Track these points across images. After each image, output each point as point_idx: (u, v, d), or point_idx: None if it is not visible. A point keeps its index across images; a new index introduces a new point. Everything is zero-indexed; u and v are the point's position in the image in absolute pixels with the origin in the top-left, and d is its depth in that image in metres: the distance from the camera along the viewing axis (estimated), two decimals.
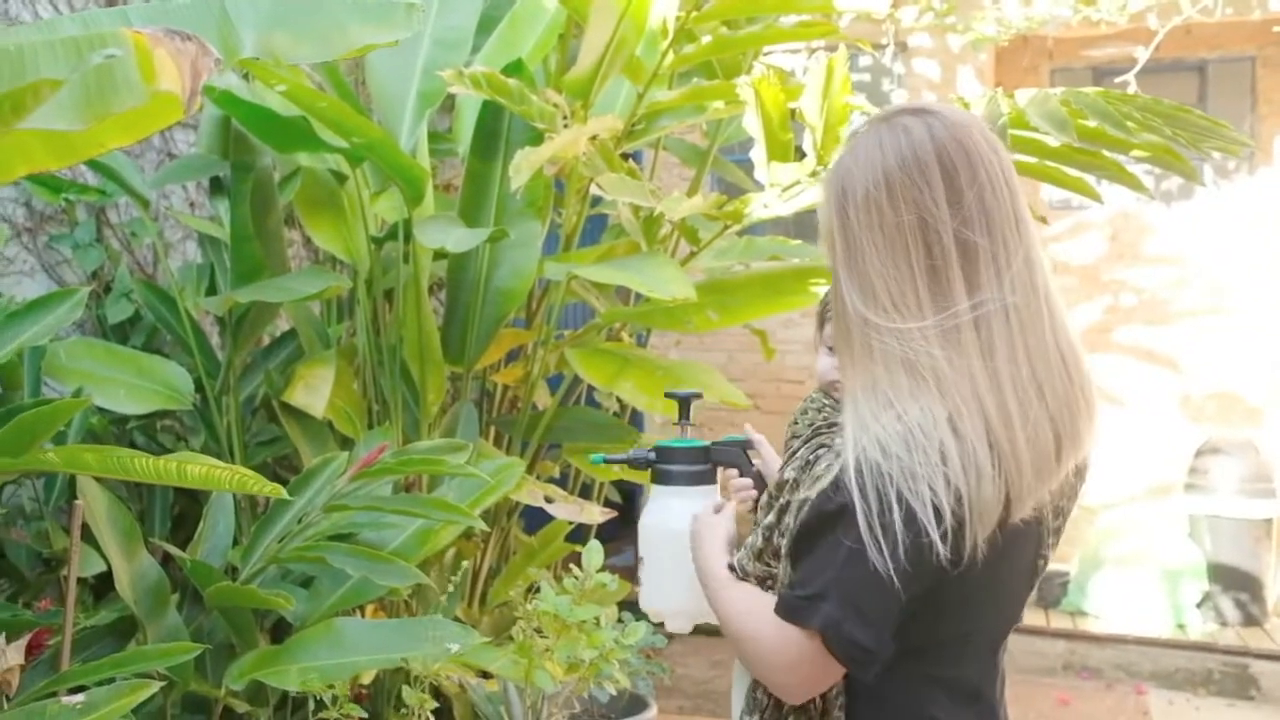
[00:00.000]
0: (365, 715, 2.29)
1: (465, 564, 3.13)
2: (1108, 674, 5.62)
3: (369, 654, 2.37)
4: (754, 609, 1.46)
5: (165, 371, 3.36)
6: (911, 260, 1.36)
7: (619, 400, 4.18)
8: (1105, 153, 3.00)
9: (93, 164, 3.33)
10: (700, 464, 1.77)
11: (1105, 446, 5.47)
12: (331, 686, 2.26)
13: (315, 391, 3.28)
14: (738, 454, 1.78)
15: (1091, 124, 2.91)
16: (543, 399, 4.04)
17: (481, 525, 2.72)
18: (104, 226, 3.87)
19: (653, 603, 1.80)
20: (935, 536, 1.27)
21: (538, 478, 4.02)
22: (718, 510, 1.70)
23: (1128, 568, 5.89)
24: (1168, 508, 6.03)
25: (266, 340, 3.86)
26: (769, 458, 1.74)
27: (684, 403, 1.86)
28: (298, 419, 3.36)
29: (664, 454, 1.79)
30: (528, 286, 3.66)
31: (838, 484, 1.33)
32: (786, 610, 1.38)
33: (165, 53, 1.37)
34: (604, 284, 3.88)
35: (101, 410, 3.23)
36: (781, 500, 1.50)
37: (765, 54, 4.21)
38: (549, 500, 3.53)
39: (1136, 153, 2.90)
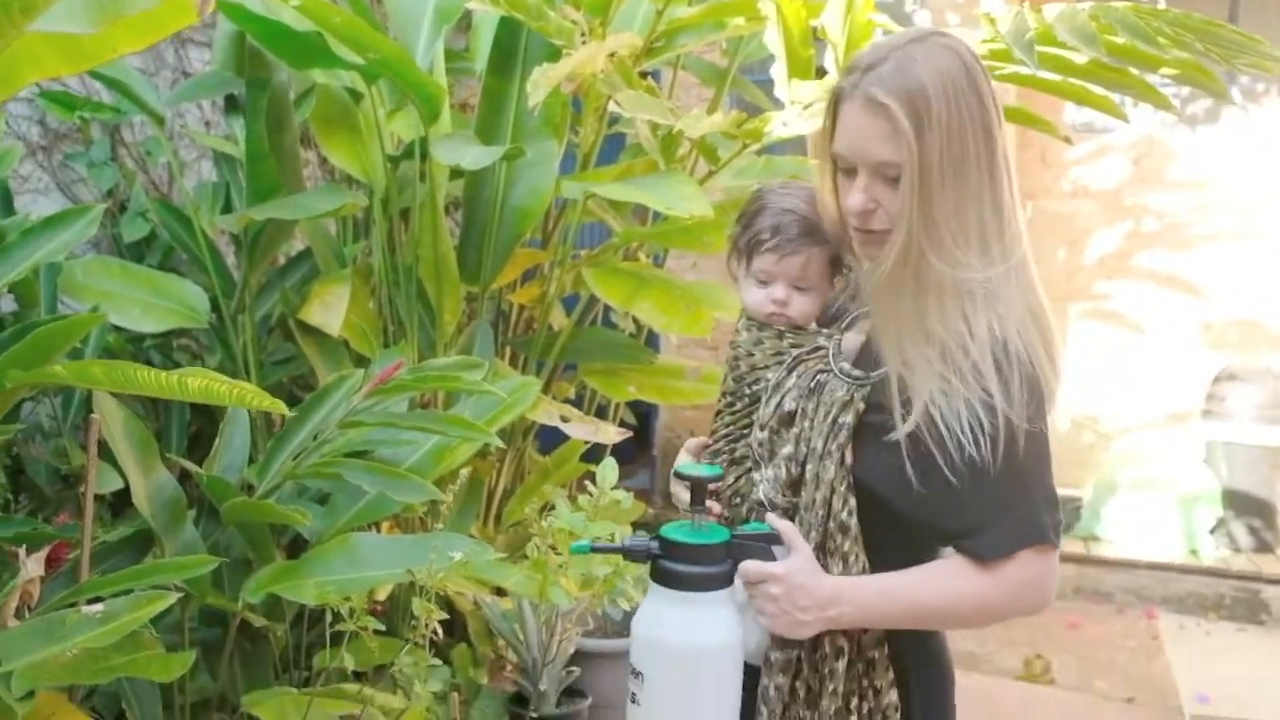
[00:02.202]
0: (382, 628, 2.31)
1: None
2: (1119, 598, 5.65)
3: (384, 568, 2.38)
4: (962, 575, 1.46)
5: (181, 290, 3.36)
6: (980, 195, 1.43)
7: (635, 321, 4.17)
8: (1133, 71, 2.95)
9: (108, 81, 3.30)
10: (719, 564, 1.46)
11: (1124, 372, 5.46)
12: (348, 599, 2.28)
13: (331, 309, 3.27)
14: (763, 550, 1.48)
15: (1120, 40, 2.85)
16: (559, 320, 4.03)
17: (497, 442, 2.72)
18: (119, 145, 3.85)
19: None
20: (1048, 414, 1.46)
21: (554, 398, 4.02)
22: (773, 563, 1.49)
23: (1142, 493, 5.90)
24: (1184, 434, 6.02)
25: (282, 260, 3.85)
26: (797, 547, 1.50)
27: (698, 486, 1.51)
28: (313, 337, 3.35)
29: (675, 550, 1.46)
30: (544, 205, 3.63)
31: (987, 413, 1.40)
32: (1007, 547, 1.43)
33: None
34: (621, 203, 3.84)
35: (118, 329, 3.24)
36: (795, 430, 1.54)
37: None
38: (564, 420, 3.53)
39: (1166, 71, 2.84)
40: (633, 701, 1.48)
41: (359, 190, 3.93)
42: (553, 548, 2.60)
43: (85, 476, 2.92)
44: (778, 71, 3.25)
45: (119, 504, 3.14)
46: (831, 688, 1.52)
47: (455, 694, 2.89)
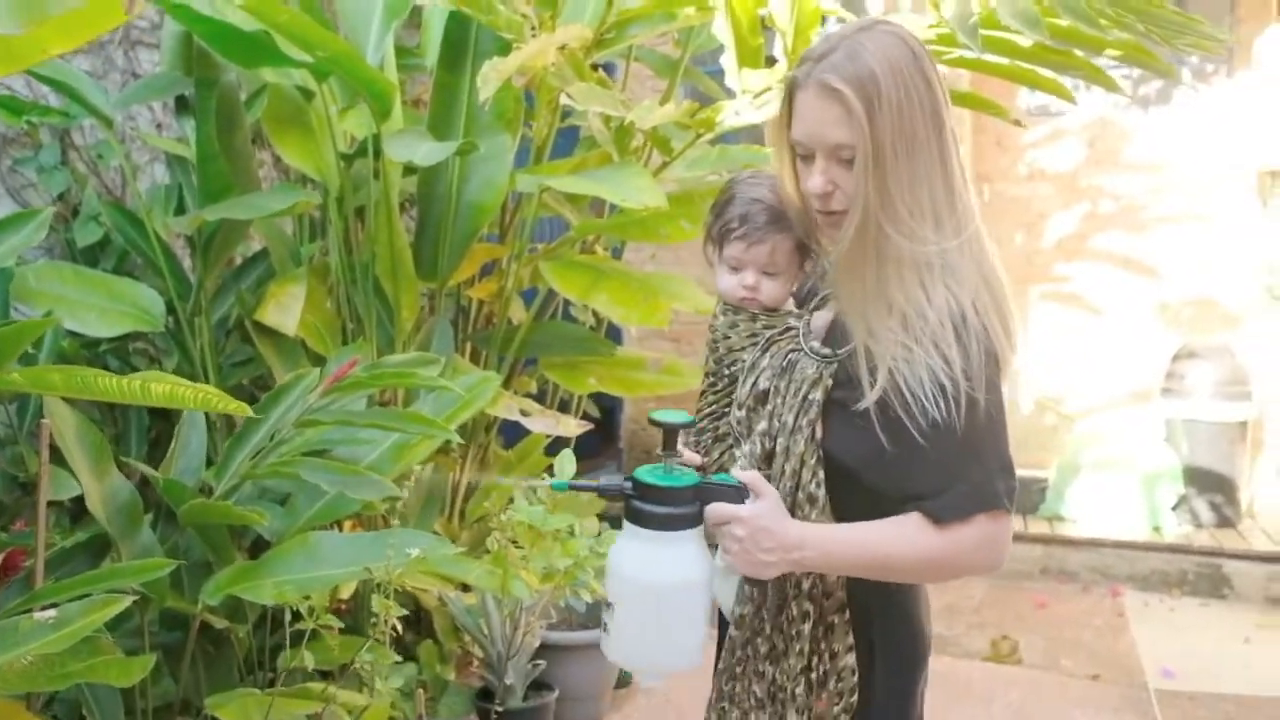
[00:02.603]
0: (342, 626, 2.30)
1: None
2: (1084, 577, 5.69)
3: (343, 566, 2.37)
4: (909, 530, 1.50)
5: (136, 294, 3.34)
6: (931, 170, 1.50)
7: (595, 315, 4.18)
8: (1078, 53, 2.97)
9: (54, 84, 3.28)
10: (687, 505, 1.54)
11: (1084, 354, 5.48)
12: (308, 598, 2.27)
13: (287, 310, 3.26)
14: (731, 495, 1.55)
15: (1064, 23, 2.88)
16: (520, 315, 4.03)
17: (456, 438, 2.72)
18: (69, 149, 3.82)
19: (621, 656, 1.62)
20: (1003, 376, 1.52)
21: (515, 393, 4.02)
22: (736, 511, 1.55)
23: (1105, 473, 5.94)
24: (1145, 413, 6.07)
25: (239, 261, 3.83)
26: (764, 493, 1.55)
27: (670, 432, 1.58)
28: (270, 338, 3.34)
29: (644, 490, 1.54)
30: (499, 200, 3.63)
31: (937, 369, 1.45)
32: (963, 510, 1.48)
33: None
34: (578, 196, 3.85)
35: (73, 334, 3.22)
36: (768, 407, 1.62)
37: None
38: (525, 414, 3.53)
39: (1110, 52, 2.87)
40: (604, 631, 1.60)
41: (314, 189, 3.92)
42: (513, 541, 2.60)
43: (35, 479, 2.91)
44: (728, 61, 3.27)
45: (78, 510, 3.11)
46: (798, 648, 1.59)
47: (420, 690, 2.89)
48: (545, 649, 3.31)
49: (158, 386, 1.90)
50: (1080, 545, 5.76)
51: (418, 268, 3.65)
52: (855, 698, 1.60)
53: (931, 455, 1.47)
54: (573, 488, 1.65)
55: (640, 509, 1.54)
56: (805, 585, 1.60)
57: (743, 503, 1.54)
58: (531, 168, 3.72)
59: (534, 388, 4.30)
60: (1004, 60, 3.07)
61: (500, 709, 3.15)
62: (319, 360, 3.45)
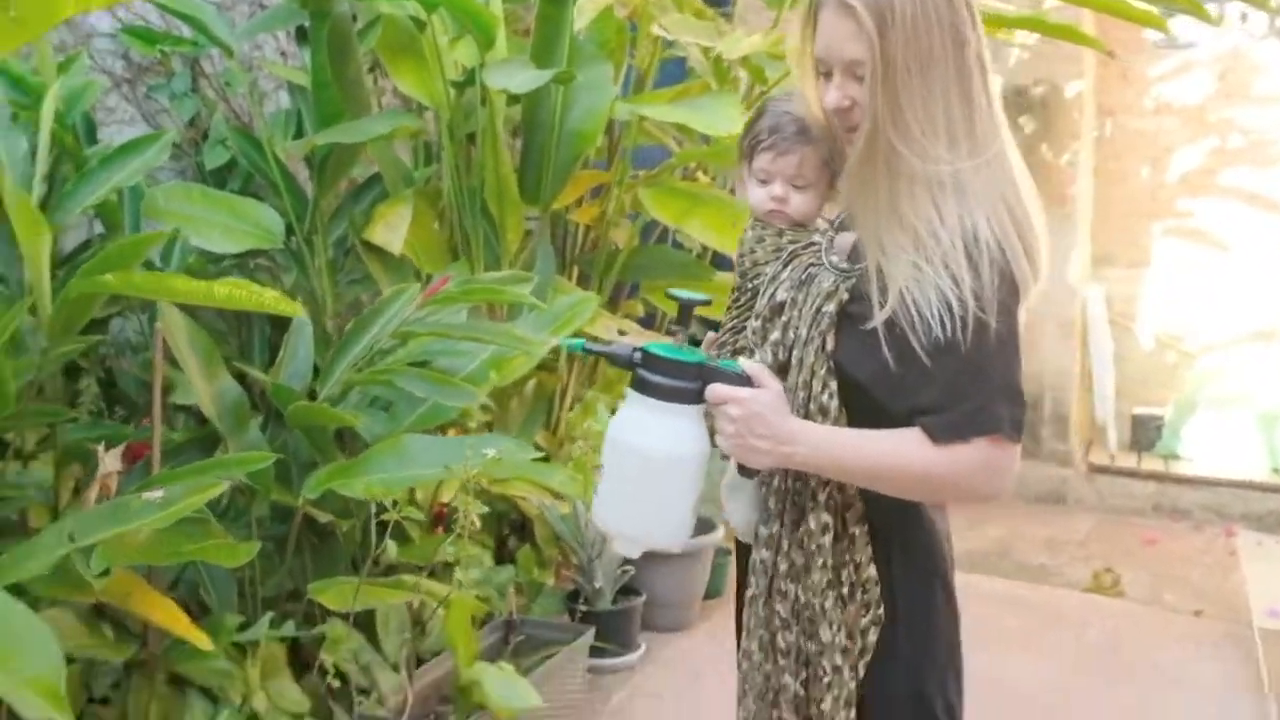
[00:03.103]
0: (422, 517, 2.48)
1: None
2: (1197, 515, 5.65)
3: (429, 467, 2.54)
4: (910, 445, 1.52)
5: (257, 213, 3.54)
6: (947, 88, 1.51)
7: (703, 244, 4.28)
8: None
9: (182, 15, 3.48)
10: (690, 381, 1.56)
11: (1205, 291, 5.41)
12: (392, 494, 2.45)
13: (393, 229, 3.43)
14: (735, 382, 1.56)
15: None
16: (630, 241, 4.16)
17: (544, 353, 2.86)
18: (200, 77, 4.04)
19: (604, 520, 1.65)
20: (1020, 305, 1.51)
21: (625, 316, 4.17)
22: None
23: (1224, 411, 5.87)
24: (1267, 351, 5.95)
25: (357, 184, 4.03)
26: (766, 384, 1.58)
27: (685, 307, 1.63)
28: (379, 256, 3.53)
29: (652, 361, 1.57)
30: (600, 127, 3.74)
31: (946, 290, 1.46)
32: (959, 429, 1.48)
33: None
34: (684, 125, 3.94)
35: (201, 252, 3.44)
36: (784, 318, 1.64)
37: None
38: (622, 334, 3.67)
39: None
40: (595, 493, 1.64)
41: (427, 116, 4.08)
42: (595, 449, 2.74)
43: (171, 387, 3.14)
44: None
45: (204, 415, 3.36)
46: (820, 561, 1.60)
47: (512, 589, 3.07)
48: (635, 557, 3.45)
49: (220, 288, 2.09)
50: (1195, 483, 5.72)
51: (522, 192, 3.80)
52: (881, 609, 1.61)
53: (936, 374, 1.48)
54: (586, 350, 1.68)
55: (643, 377, 1.56)
56: (821, 497, 1.60)
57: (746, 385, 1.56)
58: (631, 97, 3.82)
59: (641, 312, 4.44)
60: None
61: (586, 609, 3.31)
62: (426, 279, 3.63)
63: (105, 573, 2.23)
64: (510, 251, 3.79)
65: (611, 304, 4.33)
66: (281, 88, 4.33)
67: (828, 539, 1.60)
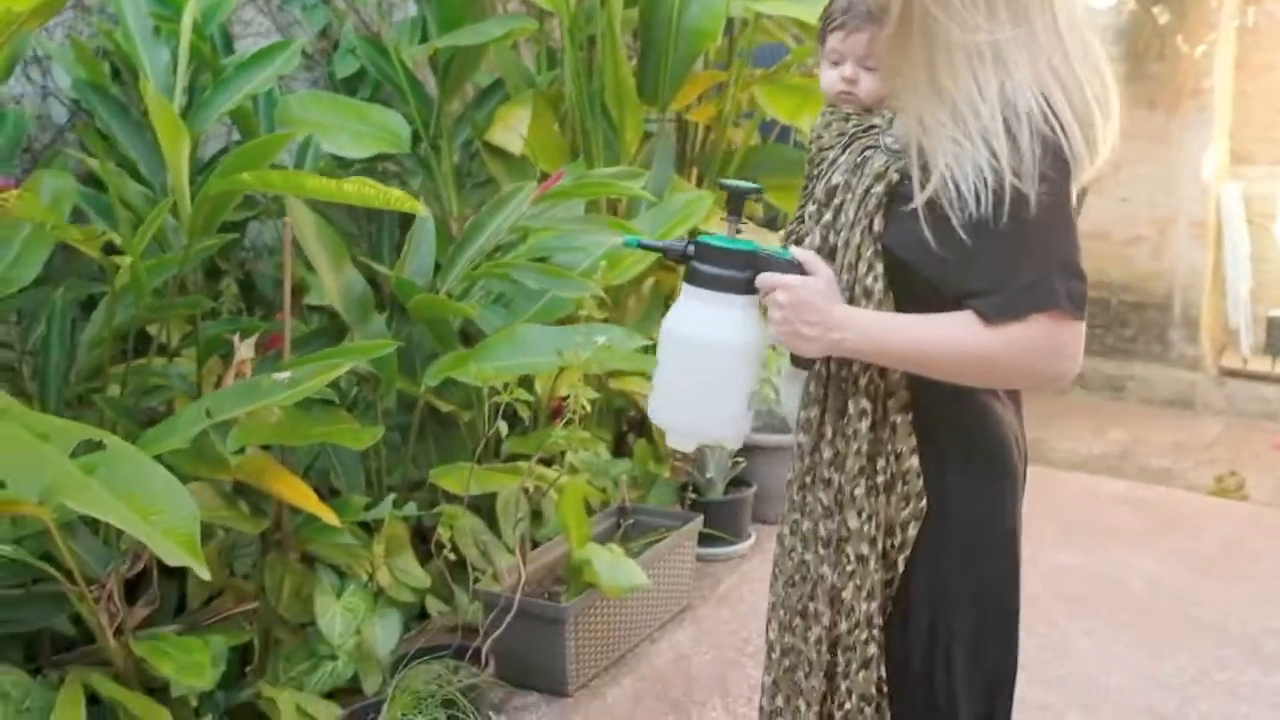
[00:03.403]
0: (531, 398, 2.60)
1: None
2: None
3: (540, 355, 2.67)
4: (966, 328, 1.48)
5: (385, 119, 3.67)
6: None
7: None
8: None
9: None
10: (743, 270, 1.55)
11: None
12: (504, 378, 2.58)
13: (512, 130, 3.54)
14: (787, 267, 1.55)
15: None
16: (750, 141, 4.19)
17: (655, 247, 2.93)
18: None
19: (662, 415, 1.64)
20: (1071, 179, 1.45)
21: (746, 218, 4.21)
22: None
23: None
24: None
25: (481, 90, 4.14)
26: (818, 270, 1.56)
27: (736, 196, 1.63)
28: (500, 157, 3.64)
29: (703, 251, 1.57)
30: (718, 25, 3.76)
31: (990, 170, 1.41)
32: (1013, 308, 1.45)
33: None
34: (801, 22, 3.94)
35: (332, 156, 3.59)
36: (836, 201, 1.61)
37: None
38: (739, 231, 3.72)
39: None
40: (652, 389, 1.65)
41: (552, 20, 4.15)
42: None
43: (307, 287, 3.32)
44: None
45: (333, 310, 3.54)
46: (855, 447, 1.58)
47: (627, 479, 3.20)
48: (747, 449, 3.55)
49: (349, 186, 2.22)
50: None
51: (640, 92, 3.86)
52: (924, 503, 1.57)
53: (982, 253, 1.44)
54: (641, 246, 1.69)
55: (694, 268, 1.56)
56: (862, 382, 1.58)
57: (798, 273, 1.55)
58: None
59: (760, 212, 4.48)
60: None
61: (695, 498, 3.42)
62: (543, 177, 3.73)
63: (240, 451, 2.42)
64: (629, 151, 3.86)
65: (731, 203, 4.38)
66: None
67: (864, 424, 1.58)
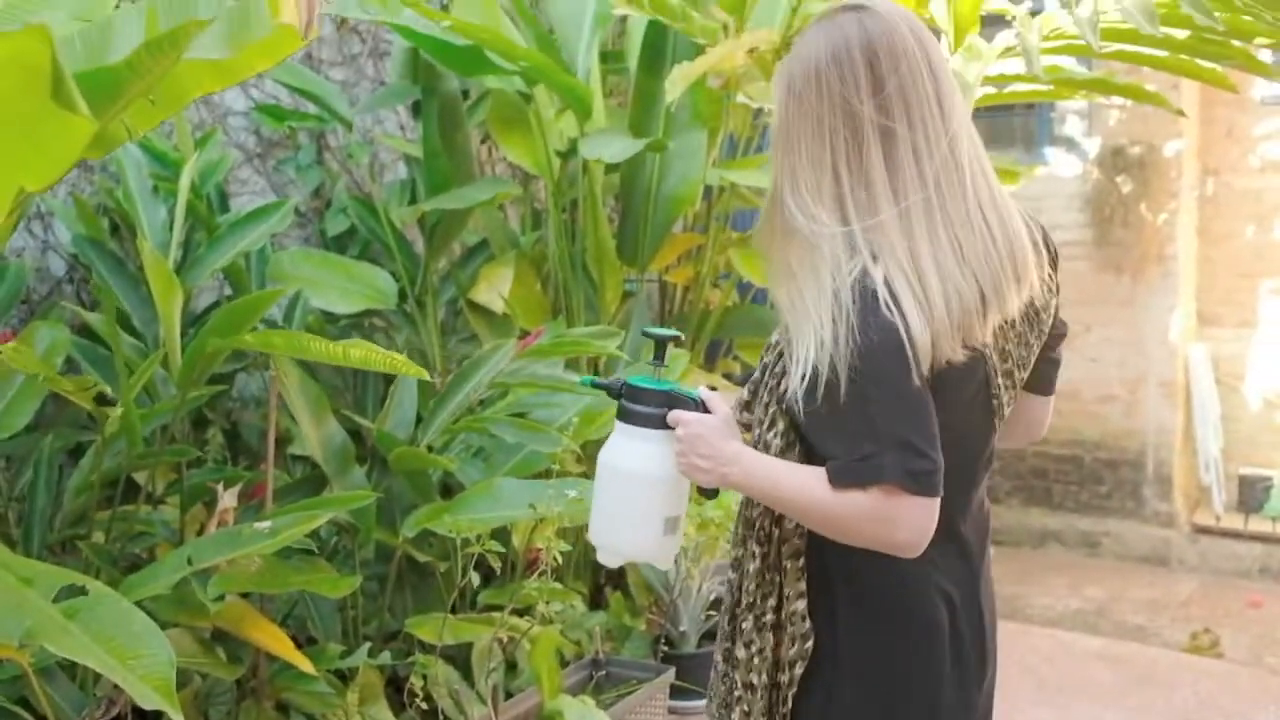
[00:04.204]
0: (501, 549, 2.66)
1: None
2: None
3: (515, 508, 2.74)
4: (823, 487, 1.53)
5: (372, 276, 3.81)
6: (834, 153, 1.55)
7: None
8: (1235, 43, 3.05)
9: (306, 94, 3.79)
10: (659, 408, 1.70)
11: None
12: (478, 530, 2.65)
13: (495, 289, 3.68)
14: (693, 406, 1.70)
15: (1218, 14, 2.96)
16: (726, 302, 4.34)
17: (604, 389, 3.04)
18: (325, 150, 4.35)
19: (593, 534, 1.78)
20: (908, 357, 1.47)
21: (721, 374, 4.35)
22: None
23: None
24: None
25: (467, 249, 4.29)
26: (715, 409, 1.69)
27: (660, 344, 1.78)
28: (483, 315, 3.77)
29: (629, 391, 1.73)
30: (695, 193, 3.94)
31: (821, 360, 1.48)
32: (845, 477, 1.51)
33: None
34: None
35: (322, 312, 3.71)
36: (764, 359, 1.70)
37: None
38: (712, 389, 3.82)
39: (1260, 40, 2.94)
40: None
41: (536, 184, 4.34)
42: None
43: (290, 438, 3.40)
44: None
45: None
46: (747, 585, 1.67)
47: (601, 631, 3.24)
48: (721, 602, 3.59)
49: (355, 351, 2.31)
50: None
51: (620, 254, 4.01)
52: (809, 644, 1.63)
53: (832, 422, 1.52)
54: (594, 385, 1.83)
55: (622, 405, 1.73)
56: (757, 525, 1.67)
57: (701, 411, 1.68)
58: (723, 163, 4.02)
59: (738, 369, 4.61)
60: (1163, 54, 3.17)
61: (669, 650, 3.46)
62: (523, 335, 3.86)
63: (220, 599, 2.47)
64: (609, 310, 3.99)
65: (708, 361, 4.52)
66: (399, 160, 4.63)
67: (753, 565, 1.66)
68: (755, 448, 1.65)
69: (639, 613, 3.84)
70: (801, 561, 1.64)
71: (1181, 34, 3.04)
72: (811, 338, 1.50)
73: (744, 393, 1.73)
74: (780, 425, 1.63)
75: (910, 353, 1.48)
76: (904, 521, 1.51)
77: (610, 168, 4.06)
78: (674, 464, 1.69)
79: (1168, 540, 5.88)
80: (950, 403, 1.55)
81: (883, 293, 1.49)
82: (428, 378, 2.36)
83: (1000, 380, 1.65)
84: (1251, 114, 6.07)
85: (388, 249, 3.95)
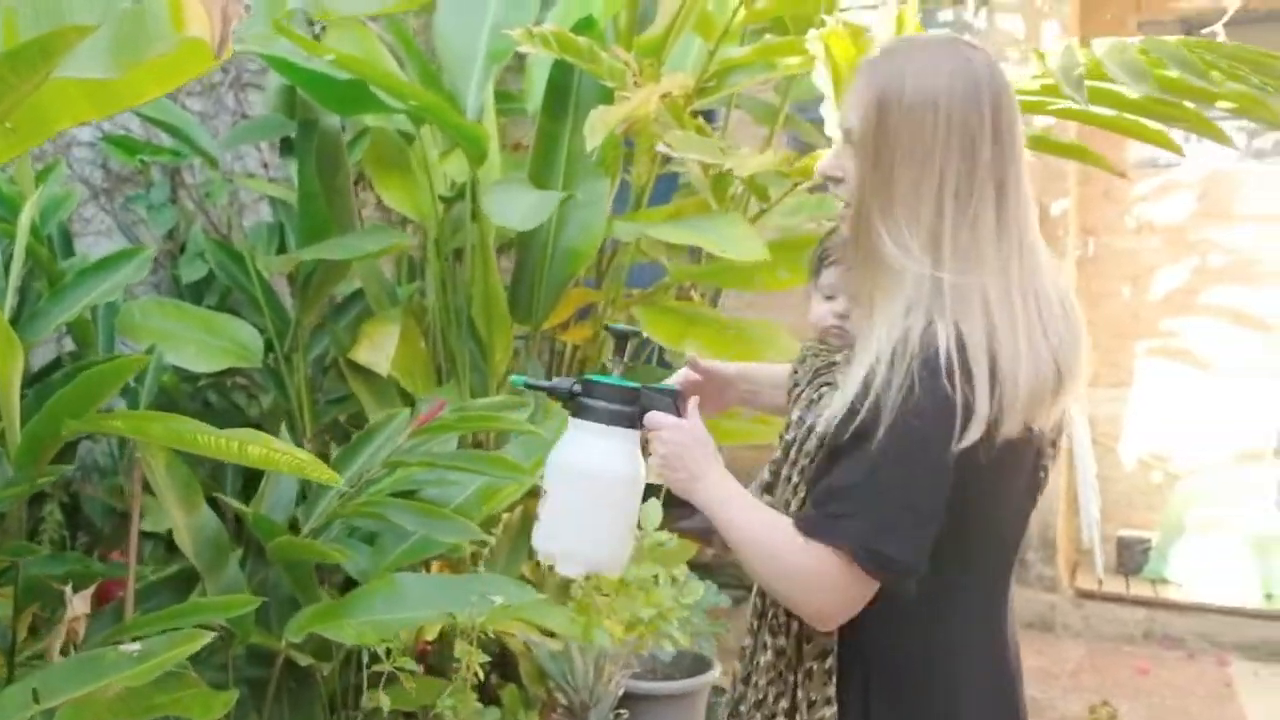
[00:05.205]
0: (418, 669, 2.30)
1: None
2: (1190, 643, 5.50)
3: (426, 609, 2.37)
4: (779, 527, 1.44)
5: (235, 330, 3.40)
6: (942, 187, 1.40)
7: None
8: (1188, 104, 2.90)
9: (163, 125, 3.37)
10: (629, 405, 1.62)
11: (1190, 411, 5.30)
12: (386, 640, 2.27)
13: (379, 349, 3.29)
14: (668, 404, 1.62)
15: (1173, 74, 2.81)
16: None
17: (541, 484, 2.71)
18: (179, 187, 3.92)
19: (549, 542, 1.65)
20: (952, 432, 1.33)
21: None
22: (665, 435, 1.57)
23: (1213, 535, 5.75)
24: (1257, 474, 5.87)
25: (338, 300, 3.89)
26: (691, 416, 1.62)
27: (620, 339, 1.73)
28: (364, 377, 3.38)
29: (591, 388, 1.64)
30: (596, 245, 3.63)
31: (862, 397, 1.37)
32: (811, 527, 1.40)
33: None
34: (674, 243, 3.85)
35: (175, 368, 3.28)
36: (788, 437, 1.56)
37: (842, 10, 4.14)
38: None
39: (1223, 104, 2.80)
40: (536, 520, 1.64)
41: (414, 231, 3.96)
42: (597, 589, 2.58)
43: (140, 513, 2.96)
44: (827, 109, 3.24)
45: (174, 542, 3.17)
46: (775, 691, 1.54)
47: None
48: (629, 698, 3.27)
49: (254, 449, 1.93)
50: (1186, 610, 5.57)
51: (512, 310, 3.67)
52: None
53: (827, 472, 1.42)
54: (528, 386, 1.73)
55: (582, 403, 1.61)
56: (781, 620, 1.53)
57: (676, 409, 1.58)
58: (630, 214, 3.73)
59: None
60: (1110, 112, 3.00)
61: None
62: (411, 400, 3.48)
63: None
64: (498, 372, 3.65)
65: None
66: (262, 200, 4.21)
67: (764, 659, 1.55)
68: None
69: (532, 704, 3.48)
70: (830, 662, 1.48)
71: (1131, 92, 2.87)
72: (867, 370, 1.38)
73: (764, 473, 1.57)
74: (799, 497, 1.51)
75: (956, 429, 1.34)
76: (841, 593, 1.40)
77: None
78: (642, 465, 1.62)
79: (1053, 605, 5.75)
80: (1004, 487, 1.46)
81: (953, 357, 1.35)
82: (339, 483, 1.98)
83: (1049, 451, 1.51)
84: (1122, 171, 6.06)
85: (252, 300, 3.53)
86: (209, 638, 1.97)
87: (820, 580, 1.39)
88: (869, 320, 1.42)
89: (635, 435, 1.62)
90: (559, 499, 1.63)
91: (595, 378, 1.65)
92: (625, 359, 1.71)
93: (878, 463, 1.36)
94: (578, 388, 1.64)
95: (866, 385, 1.37)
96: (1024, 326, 1.40)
